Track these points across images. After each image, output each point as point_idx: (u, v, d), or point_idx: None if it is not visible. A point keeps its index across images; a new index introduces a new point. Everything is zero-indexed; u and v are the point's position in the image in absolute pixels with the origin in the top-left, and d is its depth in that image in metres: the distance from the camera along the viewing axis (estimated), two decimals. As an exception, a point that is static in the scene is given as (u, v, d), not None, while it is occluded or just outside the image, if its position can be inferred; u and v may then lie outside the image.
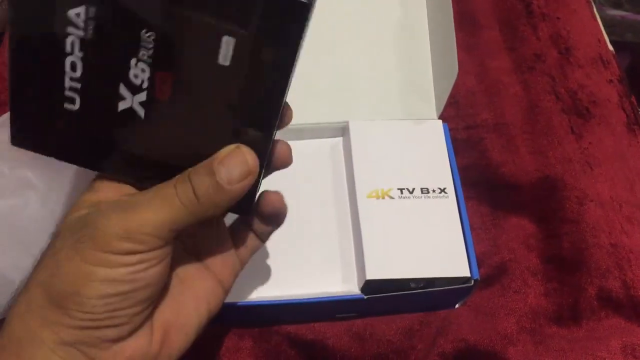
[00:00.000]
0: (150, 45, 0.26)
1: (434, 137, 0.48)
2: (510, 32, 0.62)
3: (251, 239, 0.35)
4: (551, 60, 0.60)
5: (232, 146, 0.28)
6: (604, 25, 0.63)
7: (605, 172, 0.54)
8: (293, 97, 0.30)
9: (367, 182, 0.45)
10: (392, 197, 0.45)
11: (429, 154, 0.47)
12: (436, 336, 0.46)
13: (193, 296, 0.31)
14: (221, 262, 0.33)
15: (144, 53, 0.26)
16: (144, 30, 0.26)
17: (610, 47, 0.62)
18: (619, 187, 0.54)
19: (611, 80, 0.60)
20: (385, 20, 0.54)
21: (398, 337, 0.46)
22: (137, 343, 0.28)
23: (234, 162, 0.28)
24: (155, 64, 0.26)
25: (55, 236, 0.28)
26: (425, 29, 0.54)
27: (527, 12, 0.63)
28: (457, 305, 0.48)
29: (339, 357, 0.45)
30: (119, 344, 0.28)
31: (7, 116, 0.47)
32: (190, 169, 0.28)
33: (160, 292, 0.29)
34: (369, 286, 0.42)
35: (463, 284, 0.43)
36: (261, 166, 0.29)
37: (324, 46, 0.53)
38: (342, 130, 0.49)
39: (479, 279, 0.43)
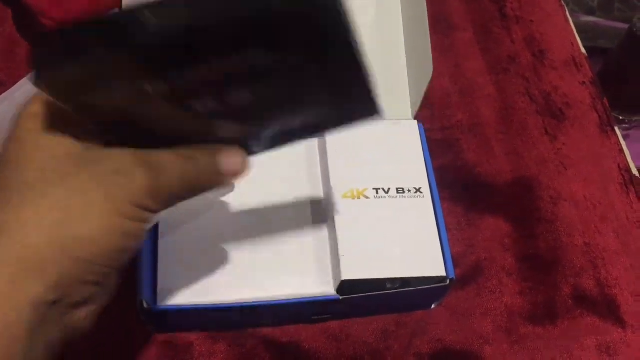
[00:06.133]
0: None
1: (409, 138, 0.48)
2: (485, 34, 0.62)
3: None
4: (525, 62, 0.61)
5: (235, 147, 0.30)
6: (577, 31, 0.64)
7: (579, 172, 0.55)
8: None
9: (342, 182, 0.45)
10: (367, 197, 0.45)
11: (404, 154, 0.47)
12: (412, 337, 0.46)
13: None
14: None
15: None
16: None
17: (583, 50, 0.63)
18: (592, 187, 0.54)
19: (584, 83, 0.60)
20: (360, 22, 0.54)
21: (374, 338, 0.46)
22: None
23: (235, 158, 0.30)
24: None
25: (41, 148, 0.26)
26: (400, 30, 0.54)
27: (501, 15, 0.64)
28: (433, 306, 0.47)
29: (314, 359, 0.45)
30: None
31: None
32: (197, 150, 0.29)
33: None
34: (345, 287, 0.42)
35: (439, 283, 0.43)
36: None
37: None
38: (318, 131, 0.49)
39: (454, 278, 0.43)
